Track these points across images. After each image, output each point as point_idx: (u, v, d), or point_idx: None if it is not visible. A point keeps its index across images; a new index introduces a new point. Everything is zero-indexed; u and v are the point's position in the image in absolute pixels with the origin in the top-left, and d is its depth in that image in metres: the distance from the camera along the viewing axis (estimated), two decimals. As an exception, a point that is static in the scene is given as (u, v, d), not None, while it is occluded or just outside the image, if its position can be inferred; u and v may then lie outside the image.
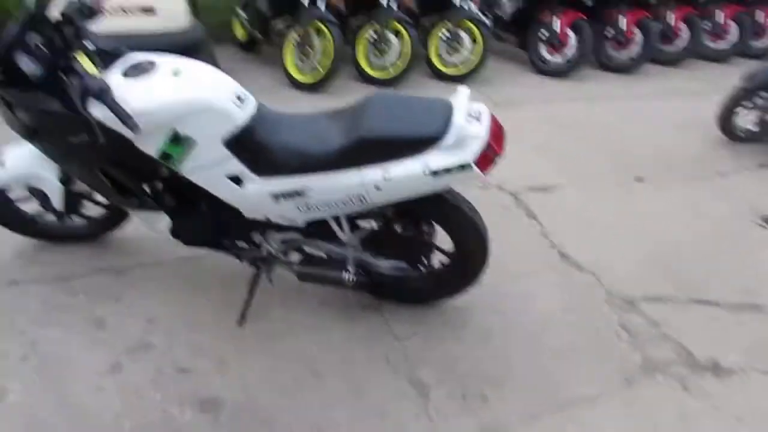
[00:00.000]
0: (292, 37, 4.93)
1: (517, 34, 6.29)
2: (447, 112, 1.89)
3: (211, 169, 1.96)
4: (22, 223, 2.52)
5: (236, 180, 1.99)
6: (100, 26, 3.69)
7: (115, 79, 1.87)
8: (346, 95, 4.86)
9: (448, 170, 1.86)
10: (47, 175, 2.25)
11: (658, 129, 4.76)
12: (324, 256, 2.29)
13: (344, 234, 2.16)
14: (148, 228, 2.27)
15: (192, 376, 2.06)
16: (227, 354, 2.16)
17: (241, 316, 2.31)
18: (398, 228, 2.23)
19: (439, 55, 5.57)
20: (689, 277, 2.82)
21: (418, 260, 2.28)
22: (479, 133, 1.86)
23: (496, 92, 5.33)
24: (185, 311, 2.35)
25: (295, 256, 2.32)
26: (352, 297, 2.44)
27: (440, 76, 5.55)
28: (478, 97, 5.22)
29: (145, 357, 2.11)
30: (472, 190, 3.41)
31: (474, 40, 5.40)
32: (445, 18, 5.42)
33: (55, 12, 1.86)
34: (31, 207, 2.46)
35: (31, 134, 1.99)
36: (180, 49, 3.98)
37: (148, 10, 3.94)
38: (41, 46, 1.79)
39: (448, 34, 5.42)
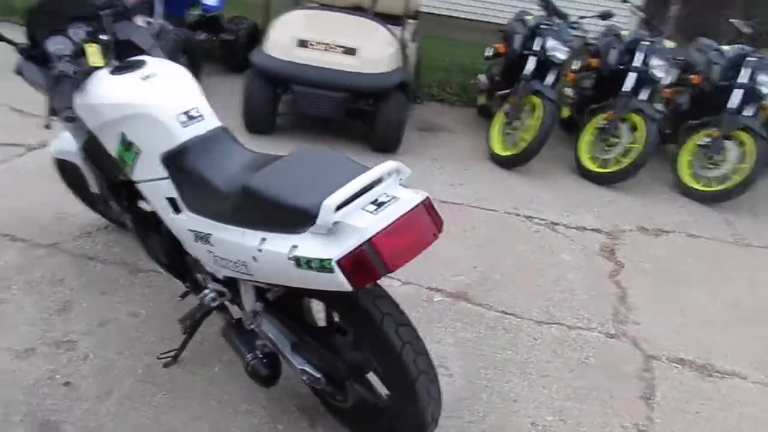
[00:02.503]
0: (504, 107, 4.51)
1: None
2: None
3: (153, 184, 1.81)
4: (89, 199, 2.67)
5: (174, 204, 1.79)
6: (301, 56, 4.03)
7: (101, 72, 1.86)
8: (544, 180, 4.21)
9: (308, 262, 1.34)
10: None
11: None
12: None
13: (248, 302, 1.77)
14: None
15: (70, 393, 1.92)
16: (122, 390, 1.96)
17: (172, 356, 2.08)
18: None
19: (691, 165, 4.42)
20: None
21: (339, 377, 1.72)
22: (362, 227, 1.30)
23: (752, 228, 3.95)
24: (144, 325, 2.25)
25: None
26: (300, 387, 1.98)
27: (683, 190, 4.38)
28: (723, 230, 3.97)
29: (57, 354, 2.06)
30: (591, 332, 2.53)
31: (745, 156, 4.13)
32: (712, 123, 4.28)
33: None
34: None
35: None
36: (365, 91, 4.08)
37: (350, 52, 4.04)
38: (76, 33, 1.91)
39: (708, 142, 4.27)
